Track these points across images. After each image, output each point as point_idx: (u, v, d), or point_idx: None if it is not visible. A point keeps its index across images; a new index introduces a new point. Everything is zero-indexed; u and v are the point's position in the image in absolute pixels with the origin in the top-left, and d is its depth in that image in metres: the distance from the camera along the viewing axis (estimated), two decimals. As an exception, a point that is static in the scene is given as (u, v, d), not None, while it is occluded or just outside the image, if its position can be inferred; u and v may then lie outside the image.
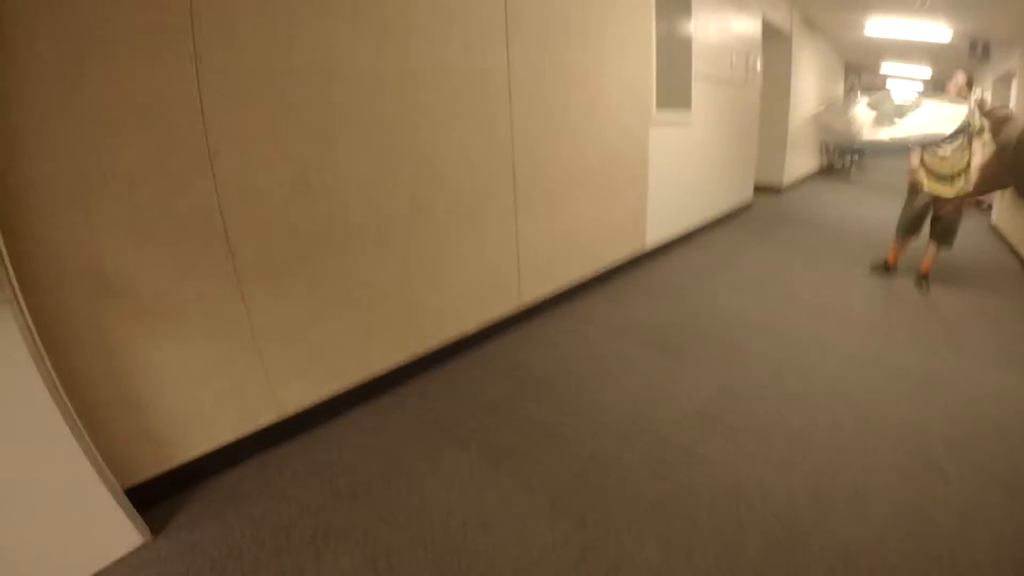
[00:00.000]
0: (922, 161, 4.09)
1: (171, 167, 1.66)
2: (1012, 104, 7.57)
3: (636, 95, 3.93)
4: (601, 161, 3.64)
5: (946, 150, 3.86)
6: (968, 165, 3.83)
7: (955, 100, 3.84)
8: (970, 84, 4.00)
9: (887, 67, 15.00)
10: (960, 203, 4.05)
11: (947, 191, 3.99)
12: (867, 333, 3.33)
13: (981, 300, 4.24)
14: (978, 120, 3.77)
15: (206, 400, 1.85)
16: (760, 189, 8.07)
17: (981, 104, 3.94)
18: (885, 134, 3.90)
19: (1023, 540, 1.72)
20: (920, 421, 2.39)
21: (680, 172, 4.87)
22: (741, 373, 2.72)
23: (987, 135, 3.77)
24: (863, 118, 4.06)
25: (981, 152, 3.75)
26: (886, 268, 4.62)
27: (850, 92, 17.05)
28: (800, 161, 10.08)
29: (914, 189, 4.18)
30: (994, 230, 7.44)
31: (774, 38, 7.59)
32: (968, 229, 7.42)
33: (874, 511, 1.82)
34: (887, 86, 21.55)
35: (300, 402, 2.14)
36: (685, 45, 4.58)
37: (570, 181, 3.38)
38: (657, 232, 4.62)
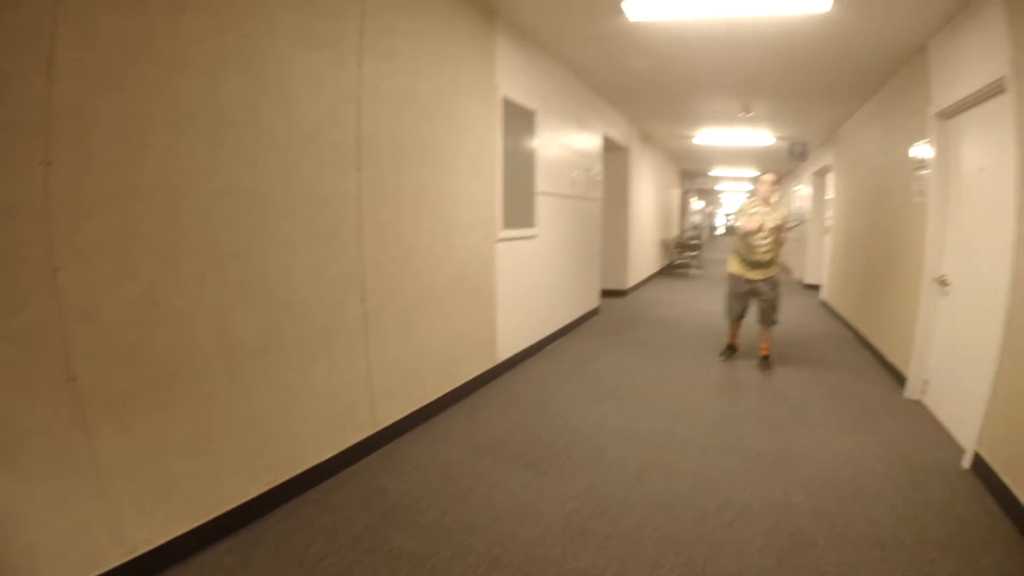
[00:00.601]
0: (737, 252, 5.28)
1: (9, 280, 1.70)
2: (827, 192, 9.45)
3: (484, 213, 4.43)
4: (451, 279, 4.01)
5: (759, 243, 5.08)
6: (777, 255, 5.14)
7: (767, 203, 5.12)
8: (777, 182, 5.24)
9: (718, 171, 17.58)
10: (776, 282, 5.20)
11: (761, 275, 5.16)
12: (720, 423, 3.92)
13: (820, 372, 5.23)
14: (784, 211, 5.09)
15: (48, 540, 1.81)
16: (607, 293, 9.02)
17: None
18: None
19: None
20: (781, 497, 2.88)
21: (528, 285, 5.44)
22: (604, 480, 3.06)
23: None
24: None
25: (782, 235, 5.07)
26: (731, 351, 5.67)
27: (685, 195, 19.54)
28: (642, 263, 11.34)
29: (735, 279, 5.31)
30: (824, 305, 9.02)
31: (614, 151, 8.82)
32: (802, 306, 9.07)
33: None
34: (718, 189, 24.85)
35: (150, 541, 2.11)
36: (529, 163, 5.27)
37: (421, 301, 3.68)
38: (509, 345, 5.05)
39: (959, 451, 3.41)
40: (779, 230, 5.05)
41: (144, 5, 1.98)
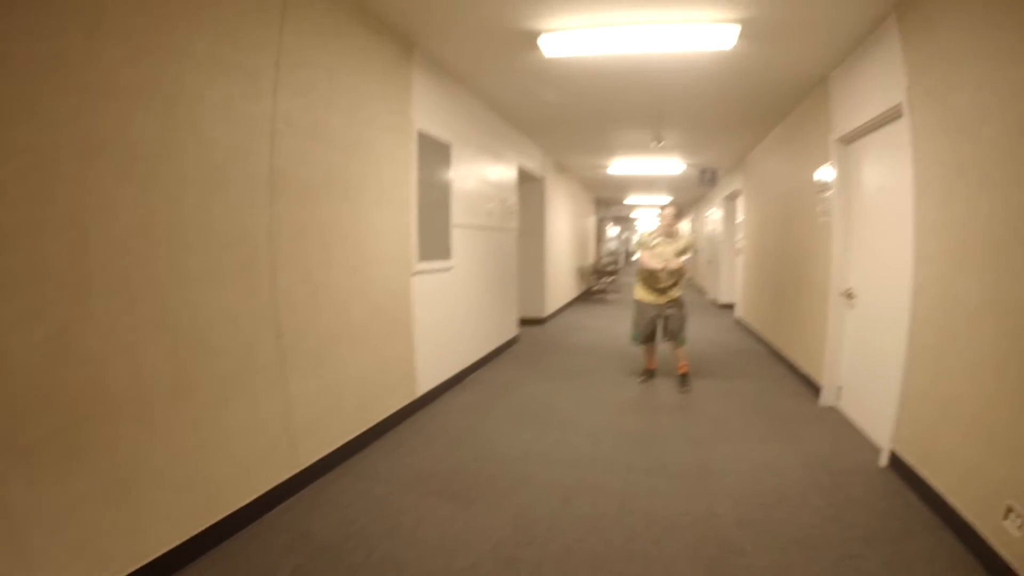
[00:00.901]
0: (641, 279, 5.62)
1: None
2: (738, 215, 10.33)
3: (398, 247, 4.50)
4: (368, 313, 4.04)
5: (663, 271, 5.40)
6: (677, 280, 5.51)
7: (669, 234, 5.54)
8: (678, 215, 5.68)
9: (633, 198, 18.36)
10: (682, 303, 5.59)
11: (664, 299, 5.51)
12: (643, 442, 4.12)
13: (738, 387, 5.62)
14: (685, 242, 5.50)
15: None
16: (526, 322, 9.23)
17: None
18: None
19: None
20: (707, 510, 3.07)
21: (445, 317, 5.53)
22: (531, 506, 3.15)
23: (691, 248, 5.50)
24: None
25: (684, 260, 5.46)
26: (649, 374, 5.94)
27: (601, 223, 20.20)
28: (560, 290, 11.64)
29: (641, 305, 5.63)
30: (739, 323, 9.64)
31: (529, 182, 9.11)
32: (717, 325, 9.70)
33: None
34: (633, 216, 25.80)
35: (69, 600, 2.04)
36: (445, 196, 5.41)
37: (338, 336, 3.69)
38: (429, 377, 5.11)
39: (876, 451, 3.77)
40: (680, 272, 5.47)
41: (59, 32, 1.97)
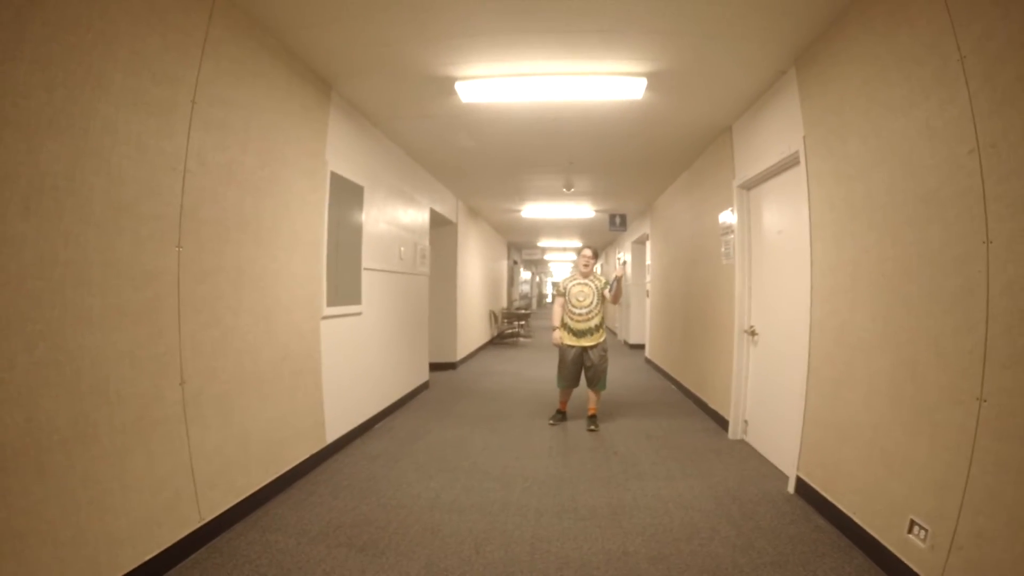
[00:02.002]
0: (563, 323, 5.89)
1: None
2: (647, 258, 10.94)
3: (308, 291, 4.49)
4: (275, 359, 4.00)
5: (582, 311, 5.77)
6: (602, 320, 5.81)
7: (586, 274, 5.89)
8: (596, 256, 6.02)
9: (545, 242, 18.88)
10: (604, 350, 5.85)
11: (588, 342, 5.79)
12: (554, 486, 4.23)
13: (648, 425, 5.88)
14: (603, 280, 5.83)
15: None
16: (437, 366, 9.30)
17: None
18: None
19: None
20: (619, 548, 3.20)
21: (355, 363, 5.55)
22: (442, 555, 3.18)
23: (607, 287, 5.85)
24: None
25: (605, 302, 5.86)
26: (561, 416, 6.16)
27: (513, 267, 20.55)
28: (472, 335, 11.78)
29: (564, 348, 5.90)
30: (649, 363, 10.04)
31: (441, 226, 9.28)
32: (627, 366, 10.08)
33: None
34: (546, 259, 26.38)
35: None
36: (356, 239, 5.48)
37: (244, 384, 3.64)
38: (338, 425, 5.09)
39: (783, 479, 4.07)
40: (618, 293, 5.81)
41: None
